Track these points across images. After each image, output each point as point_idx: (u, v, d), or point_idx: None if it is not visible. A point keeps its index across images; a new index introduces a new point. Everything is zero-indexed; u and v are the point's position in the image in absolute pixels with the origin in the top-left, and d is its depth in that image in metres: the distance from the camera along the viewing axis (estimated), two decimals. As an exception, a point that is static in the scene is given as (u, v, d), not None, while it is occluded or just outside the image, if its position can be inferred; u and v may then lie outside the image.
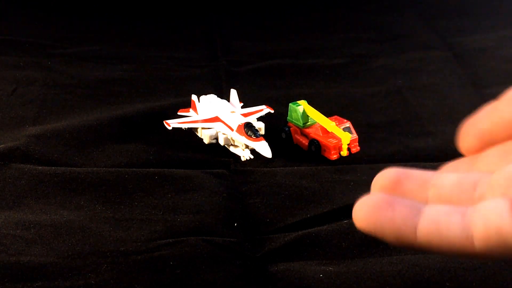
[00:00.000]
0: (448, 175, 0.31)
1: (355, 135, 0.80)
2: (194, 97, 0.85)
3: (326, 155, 0.78)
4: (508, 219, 0.26)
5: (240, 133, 0.76)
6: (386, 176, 0.32)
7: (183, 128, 0.81)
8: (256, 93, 0.95)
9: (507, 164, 0.29)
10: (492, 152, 0.32)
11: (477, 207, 0.28)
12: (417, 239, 0.28)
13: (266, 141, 0.75)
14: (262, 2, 1.36)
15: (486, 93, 0.95)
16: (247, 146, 0.77)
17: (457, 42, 1.16)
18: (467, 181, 0.30)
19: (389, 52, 1.13)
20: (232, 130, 0.77)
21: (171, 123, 0.80)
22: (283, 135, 0.83)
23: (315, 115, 0.80)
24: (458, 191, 0.30)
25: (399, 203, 0.29)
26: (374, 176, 0.77)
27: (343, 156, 0.78)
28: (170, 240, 0.61)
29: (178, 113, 0.86)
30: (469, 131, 0.33)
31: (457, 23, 1.26)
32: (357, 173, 0.74)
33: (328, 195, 0.69)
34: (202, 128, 0.80)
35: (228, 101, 0.85)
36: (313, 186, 0.71)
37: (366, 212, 0.29)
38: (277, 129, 0.84)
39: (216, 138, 0.80)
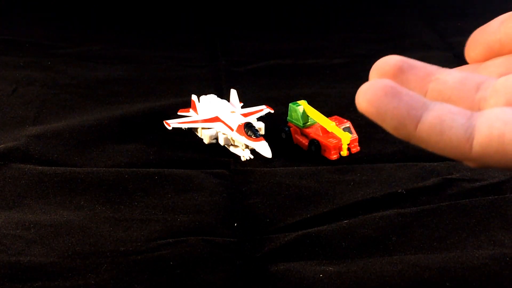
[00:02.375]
0: (452, 72, 0.31)
1: (355, 135, 0.80)
2: (194, 97, 0.85)
3: (326, 155, 0.78)
4: None
5: (240, 133, 0.76)
6: (388, 63, 0.31)
7: (183, 128, 0.81)
8: (256, 93, 0.95)
9: None
10: (498, 61, 0.32)
11: (483, 112, 0.27)
12: (417, 132, 0.28)
13: (266, 141, 0.75)
14: (262, 3, 1.36)
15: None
16: (247, 146, 0.77)
17: (457, 42, 1.16)
18: (471, 81, 0.30)
19: (389, 52, 1.12)
20: (232, 130, 0.77)
21: (171, 123, 0.80)
22: (283, 135, 0.83)
23: (315, 115, 0.80)
24: (460, 89, 0.30)
25: (406, 93, 0.28)
26: (374, 176, 0.78)
27: (343, 156, 0.78)
28: (170, 240, 0.61)
29: (178, 113, 0.86)
30: (479, 39, 0.33)
31: (457, 23, 1.26)
32: (357, 173, 0.74)
33: (328, 195, 0.69)
34: (202, 128, 0.80)
35: (228, 101, 0.85)
36: (313, 186, 0.71)
37: (370, 97, 0.28)
38: (277, 129, 0.84)
39: (216, 138, 0.80)
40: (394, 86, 0.29)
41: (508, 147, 0.26)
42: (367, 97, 0.29)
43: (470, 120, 0.27)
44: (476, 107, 0.29)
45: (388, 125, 0.28)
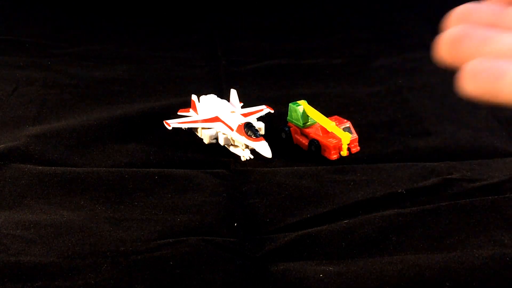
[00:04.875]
0: (509, 34, 0.31)
1: (355, 135, 0.80)
2: (194, 97, 0.85)
3: (326, 155, 0.78)
4: None
5: (240, 133, 0.76)
6: (449, 33, 0.32)
7: (183, 128, 0.81)
8: (256, 93, 0.95)
9: None
10: None
11: None
12: (501, 99, 0.29)
13: (266, 141, 0.75)
14: (262, 2, 1.36)
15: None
16: (247, 146, 0.77)
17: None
18: None
19: (389, 52, 1.13)
20: (232, 130, 0.77)
21: (171, 123, 0.80)
22: (283, 135, 0.83)
23: (315, 115, 0.80)
24: None
25: (488, 64, 0.29)
26: (374, 176, 0.78)
27: (343, 156, 0.78)
28: (170, 240, 0.61)
29: (178, 113, 0.86)
30: None
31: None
32: (357, 173, 0.74)
33: (328, 195, 0.69)
34: (202, 128, 0.80)
35: (228, 101, 0.85)
36: (313, 186, 0.71)
37: (469, 81, 0.30)
38: (277, 129, 0.84)
39: (216, 138, 0.80)
40: (481, 62, 0.30)
41: None
42: (467, 81, 0.30)
43: None
44: None
45: (490, 101, 0.30)
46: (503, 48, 0.31)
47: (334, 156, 0.78)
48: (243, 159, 0.77)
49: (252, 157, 0.77)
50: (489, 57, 0.31)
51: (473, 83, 0.30)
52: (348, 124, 0.80)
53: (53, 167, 0.73)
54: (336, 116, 0.82)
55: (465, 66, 0.31)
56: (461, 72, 0.30)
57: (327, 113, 0.81)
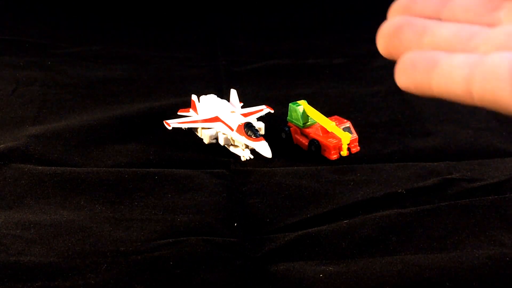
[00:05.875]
0: (446, 25, 0.31)
1: (355, 135, 0.80)
2: (194, 97, 0.85)
3: (326, 155, 0.78)
4: (505, 81, 0.26)
5: (240, 133, 0.76)
6: (390, 25, 0.32)
7: (183, 128, 0.81)
8: (256, 93, 0.95)
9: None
10: (472, 1, 0.31)
11: (483, 59, 0.27)
12: (433, 92, 0.29)
13: (266, 141, 0.75)
14: (262, 3, 1.36)
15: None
16: (247, 146, 0.77)
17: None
18: (465, 32, 0.30)
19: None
20: (232, 130, 0.77)
21: (171, 123, 0.80)
22: (283, 135, 0.83)
23: (315, 115, 0.80)
24: (453, 40, 0.30)
25: (420, 58, 0.29)
26: (374, 176, 0.78)
27: (343, 156, 0.78)
28: (170, 240, 0.61)
29: (178, 113, 0.86)
30: None
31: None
32: (357, 173, 0.74)
33: (328, 195, 0.69)
34: (202, 128, 0.80)
35: (228, 101, 0.85)
36: (313, 186, 0.71)
37: (400, 75, 0.30)
38: (277, 129, 0.84)
39: (216, 138, 0.80)
40: (411, 57, 0.30)
41: (501, 102, 0.26)
42: (399, 75, 0.30)
43: (471, 71, 0.28)
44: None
45: (420, 94, 0.30)
46: (440, 39, 0.30)
47: (334, 156, 0.78)
48: (243, 159, 0.77)
49: (252, 157, 0.77)
50: (425, 49, 0.30)
51: (407, 75, 0.30)
52: (348, 124, 0.80)
53: (53, 167, 0.73)
54: (336, 116, 0.82)
55: (400, 58, 0.30)
56: (396, 65, 0.30)
57: (327, 113, 0.81)
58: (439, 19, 0.32)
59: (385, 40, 0.32)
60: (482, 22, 0.30)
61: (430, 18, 0.32)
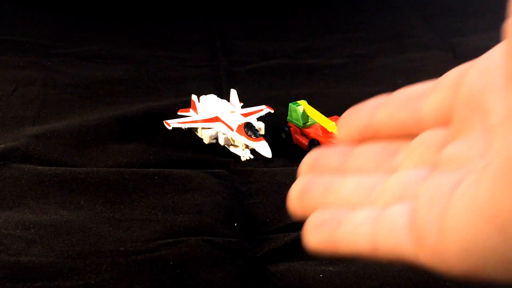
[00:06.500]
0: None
1: (355, 135, 0.79)
2: (194, 97, 0.85)
3: (326, 155, 0.78)
4: (401, 236, 0.26)
5: (240, 133, 0.76)
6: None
7: (183, 128, 0.81)
8: (256, 93, 0.95)
9: (385, 166, 0.30)
10: (372, 149, 0.32)
11: (382, 215, 0.27)
12: (341, 251, 0.29)
13: (266, 141, 0.75)
14: (262, 3, 1.36)
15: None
16: (247, 146, 0.77)
17: (457, 42, 1.16)
18: (387, 150, 0.31)
19: (389, 52, 1.13)
20: (232, 130, 0.77)
21: (171, 123, 0.80)
22: (283, 135, 0.83)
23: (315, 115, 0.80)
24: (376, 159, 0.31)
25: (325, 218, 0.30)
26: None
27: (343, 156, 0.78)
28: (170, 240, 0.61)
29: (178, 113, 0.86)
30: (351, 122, 0.33)
31: (457, 23, 1.26)
32: (357, 173, 0.74)
33: (328, 195, 0.69)
34: (202, 128, 0.80)
35: (228, 101, 0.85)
36: (313, 186, 0.71)
37: (309, 238, 0.30)
38: (277, 129, 0.84)
39: (216, 138, 0.80)
40: (319, 217, 0.30)
41: (406, 260, 0.26)
42: (311, 241, 0.30)
43: (373, 227, 0.27)
44: (373, 205, 0.29)
45: (331, 256, 0.30)
46: (344, 195, 0.30)
47: (334, 156, 0.77)
48: (243, 159, 0.77)
49: (252, 157, 0.77)
50: (331, 206, 0.30)
51: (314, 236, 0.29)
52: (348, 124, 0.80)
53: (53, 167, 0.73)
54: (336, 116, 0.82)
55: (308, 220, 0.30)
56: (304, 230, 0.30)
57: (327, 113, 0.81)
58: (344, 170, 0.32)
59: (295, 201, 0.32)
60: (382, 170, 0.30)
61: (336, 171, 0.32)
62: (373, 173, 0.30)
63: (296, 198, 0.32)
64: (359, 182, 0.30)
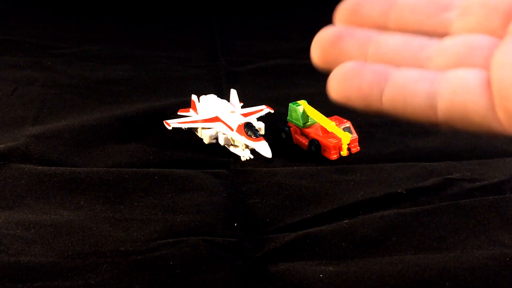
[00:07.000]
0: (392, 35, 0.29)
1: (355, 135, 0.80)
2: (194, 97, 0.85)
3: (326, 155, 0.78)
4: (476, 95, 0.25)
5: (240, 133, 0.76)
6: (327, 33, 0.30)
7: (183, 128, 0.81)
8: (256, 93, 0.95)
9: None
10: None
11: (446, 76, 0.26)
12: (383, 106, 0.27)
13: (266, 141, 0.75)
14: (262, 3, 1.36)
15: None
16: (247, 146, 0.77)
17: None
18: (413, 43, 0.29)
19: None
20: (232, 130, 0.77)
21: (171, 123, 0.80)
22: (283, 135, 0.83)
23: (315, 115, 0.80)
24: (402, 50, 0.28)
25: (366, 69, 0.27)
26: (374, 176, 0.77)
27: (343, 156, 0.78)
28: (170, 240, 0.61)
29: (178, 113, 0.86)
30: None
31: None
32: (357, 173, 0.74)
33: (328, 195, 0.69)
34: (202, 128, 0.80)
35: (228, 101, 0.85)
36: (313, 186, 0.71)
37: (336, 85, 0.28)
38: (277, 129, 0.84)
39: (216, 138, 0.80)
40: (355, 67, 0.28)
41: (471, 115, 0.25)
42: (334, 85, 0.28)
43: (432, 85, 0.26)
44: (422, 66, 0.28)
45: (358, 106, 0.28)
46: (387, 49, 0.28)
47: (334, 156, 0.78)
48: (243, 159, 0.77)
49: (252, 157, 0.77)
50: (367, 61, 0.29)
51: (347, 86, 0.28)
52: (348, 124, 0.80)
53: (53, 167, 0.73)
54: (336, 116, 0.82)
55: (336, 69, 0.28)
56: (331, 75, 0.28)
57: (327, 113, 0.81)
58: (386, 24, 0.29)
59: (322, 48, 0.29)
60: (431, 25, 0.28)
61: (376, 23, 0.30)
62: (421, 27, 0.28)
63: (325, 44, 0.29)
64: (405, 41, 0.28)
